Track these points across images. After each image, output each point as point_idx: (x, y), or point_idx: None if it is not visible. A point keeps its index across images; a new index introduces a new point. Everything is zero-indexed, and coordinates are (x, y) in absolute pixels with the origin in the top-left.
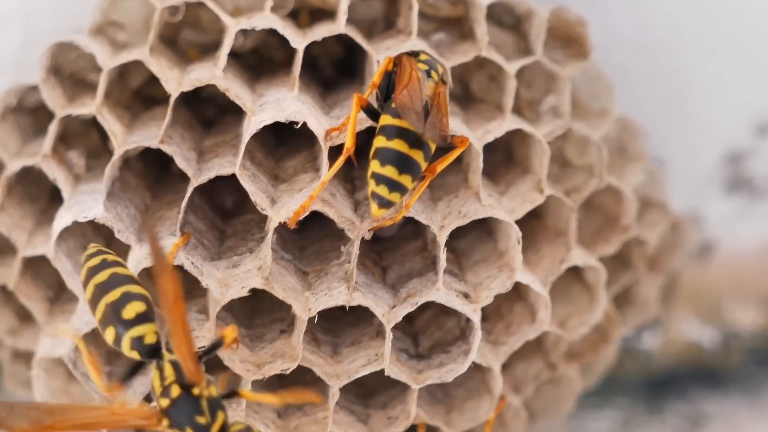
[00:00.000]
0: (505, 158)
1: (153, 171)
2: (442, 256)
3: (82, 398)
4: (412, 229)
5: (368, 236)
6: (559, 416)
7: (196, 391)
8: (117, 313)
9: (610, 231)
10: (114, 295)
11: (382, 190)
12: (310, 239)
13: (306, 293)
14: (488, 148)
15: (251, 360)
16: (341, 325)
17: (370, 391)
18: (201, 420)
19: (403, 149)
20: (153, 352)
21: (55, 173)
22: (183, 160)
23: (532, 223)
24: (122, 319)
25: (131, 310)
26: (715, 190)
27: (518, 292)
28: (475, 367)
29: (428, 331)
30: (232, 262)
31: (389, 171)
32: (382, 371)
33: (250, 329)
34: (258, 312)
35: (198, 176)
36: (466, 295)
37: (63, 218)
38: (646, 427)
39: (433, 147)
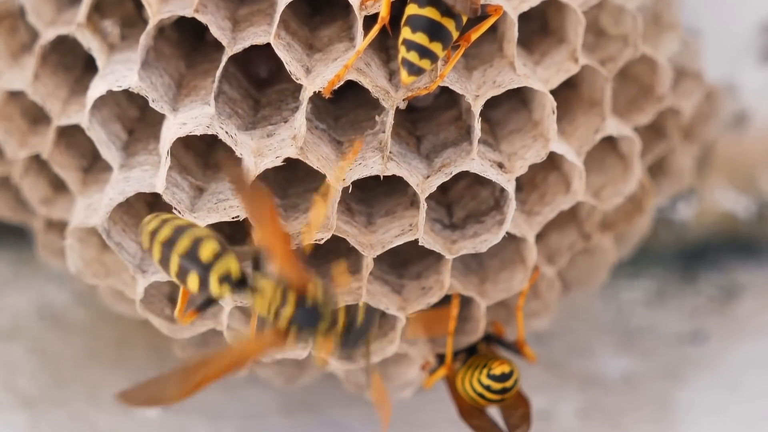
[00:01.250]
0: (540, 28)
1: (188, 40)
2: (477, 125)
3: (115, 267)
4: (446, 98)
5: (403, 106)
6: (593, 286)
7: (309, 299)
8: (195, 259)
9: (644, 101)
10: (184, 244)
11: (413, 57)
12: (345, 109)
13: (340, 162)
14: (523, 18)
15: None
16: (375, 195)
17: (404, 262)
18: (323, 324)
19: (434, 16)
20: (242, 282)
21: (89, 42)
22: (218, 29)
23: (567, 93)
24: (202, 263)
25: (208, 251)
26: (750, 60)
27: (552, 162)
28: (509, 238)
29: (462, 201)
30: (266, 131)
31: (420, 38)
32: (416, 241)
33: (285, 199)
34: (292, 181)
35: (233, 45)
36: (500, 165)
37: (97, 87)
38: (680, 297)
39: (464, 18)
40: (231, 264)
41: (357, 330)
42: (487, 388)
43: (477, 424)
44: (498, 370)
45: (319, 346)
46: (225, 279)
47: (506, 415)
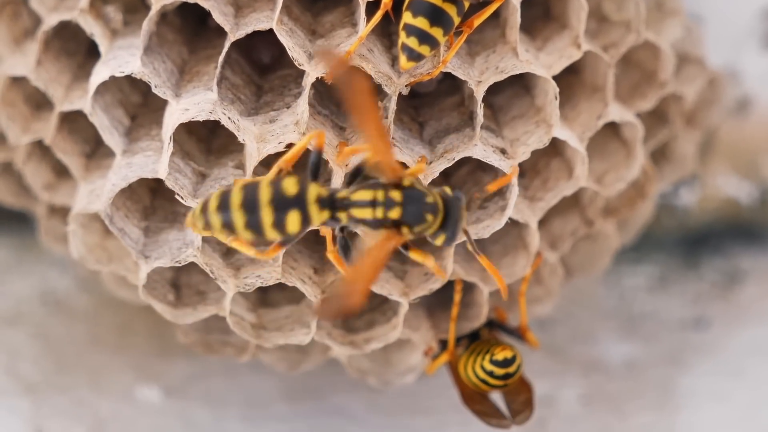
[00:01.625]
0: (542, 13)
1: (190, 26)
2: (480, 111)
3: (118, 253)
4: (449, 84)
5: (405, 91)
6: (595, 272)
7: (406, 182)
8: (284, 199)
9: (647, 86)
10: (265, 192)
11: (412, 42)
12: None
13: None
14: (526, 3)
15: None
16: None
17: (407, 247)
18: (430, 199)
19: (435, 1)
20: (333, 200)
21: (92, 28)
22: (220, 15)
23: (570, 79)
24: (293, 198)
25: (291, 186)
26: (753, 46)
27: (555, 148)
28: (512, 223)
29: (465, 186)
30: (269, 117)
31: (421, 22)
32: None
33: None
34: (295, 167)
35: (235, 31)
36: (503, 151)
37: (100, 73)
38: (682, 282)
39: (466, 4)
40: (314, 187)
41: (455, 212)
42: (490, 373)
43: (479, 409)
44: (500, 355)
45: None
46: (320, 203)
47: (509, 401)
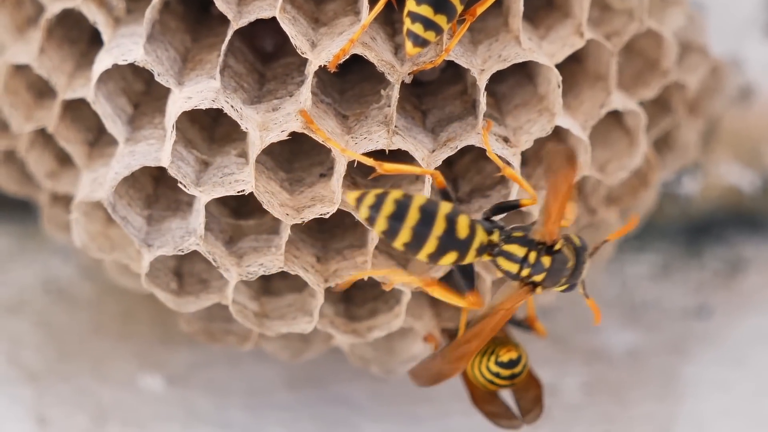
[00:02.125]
0: (545, 2)
1: (193, 14)
2: (482, 99)
3: (121, 241)
4: (452, 72)
5: (408, 80)
6: (598, 261)
7: (557, 247)
8: (453, 238)
9: (650, 75)
10: (440, 226)
11: (417, 28)
12: (350, 83)
13: (346, 137)
14: None
15: (290, 204)
16: None
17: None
18: (570, 264)
19: None
20: (487, 246)
21: (95, 16)
22: (223, 3)
23: (572, 68)
24: (461, 240)
25: (464, 228)
26: (755, 34)
27: (558, 136)
28: (516, 213)
29: (468, 175)
30: (271, 105)
31: (424, 10)
32: None
33: (290, 173)
34: (298, 155)
35: (238, 19)
36: (505, 139)
37: (103, 61)
38: (685, 271)
39: None
40: (481, 234)
41: (580, 266)
42: (496, 374)
43: (490, 410)
44: (506, 357)
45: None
46: (479, 250)
47: (518, 398)
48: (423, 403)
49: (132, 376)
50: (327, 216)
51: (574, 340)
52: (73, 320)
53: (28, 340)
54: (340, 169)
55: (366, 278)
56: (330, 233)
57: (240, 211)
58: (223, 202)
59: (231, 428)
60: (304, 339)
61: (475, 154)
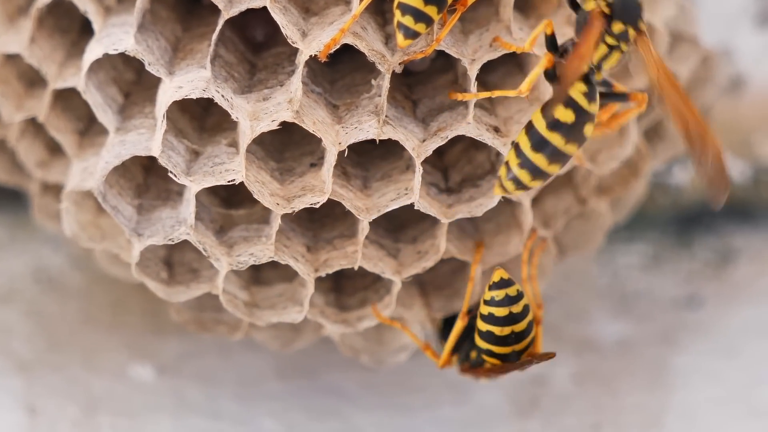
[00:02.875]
0: None
1: (184, 3)
2: (473, 89)
3: (111, 231)
4: (443, 62)
5: (399, 69)
6: (588, 251)
7: None
8: None
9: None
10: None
11: (408, 21)
12: (341, 72)
13: (336, 126)
14: None
15: (281, 194)
16: (371, 158)
17: (400, 226)
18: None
19: None
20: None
21: (86, 5)
22: None
23: None
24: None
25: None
26: (746, 24)
27: None
28: (505, 202)
29: (458, 165)
30: (262, 95)
31: (414, 1)
32: (411, 205)
33: (280, 163)
34: (288, 145)
35: (229, 9)
36: (496, 129)
37: (93, 51)
38: (675, 261)
39: None
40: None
41: None
42: (491, 319)
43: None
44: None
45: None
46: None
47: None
48: (414, 392)
49: (122, 365)
50: (317, 206)
51: (565, 330)
52: (63, 310)
53: (18, 330)
54: (331, 159)
55: (356, 267)
56: (320, 223)
57: (230, 200)
58: (213, 191)
59: (221, 418)
60: (294, 329)
61: (465, 144)
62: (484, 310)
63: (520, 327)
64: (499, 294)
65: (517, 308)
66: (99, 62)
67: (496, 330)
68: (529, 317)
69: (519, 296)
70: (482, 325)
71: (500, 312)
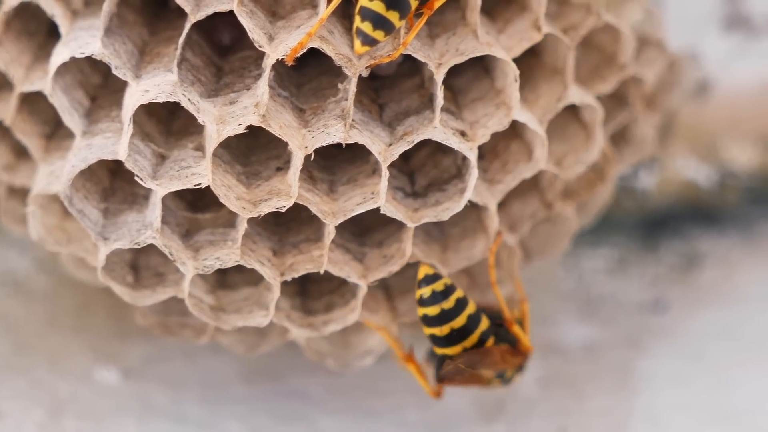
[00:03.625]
0: None
1: (151, 7)
2: (440, 93)
3: (77, 235)
4: (409, 66)
5: (365, 73)
6: (554, 255)
7: None
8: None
9: (607, 69)
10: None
11: (366, 27)
12: (308, 76)
13: (303, 130)
14: None
15: (247, 198)
16: (338, 162)
17: (366, 230)
18: None
19: None
20: None
21: (53, 9)
22: None
23: (530, 61)
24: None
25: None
26: (712, 28)
27: (515, 130)
28: (471, 206)
29: (424, 169)
30: (228, 98)
31: (377, 5)
32: (378, 209)
33: (247, 166)
34: (254, 149)
35: (196, 12)
36: (462, 133)
37: (60, 54)
38: (641, 265)
39: None
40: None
41: None
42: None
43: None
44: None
45: None
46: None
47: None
48: (379, 396)
49: (88, 369)
50: (283, 210)
51: (531, 333)
52: (28, 313)
53: None
54: (297, 162)
55: (322, 272)
56: (286, 227)
57: (197, 204)
58: (179, 195)
59: (186, 421)
60: (260, 333)
61: (432, 148)
62: (420, 312)
63: (458, 323)
64: (426, 291)
65: (448, 304)
66: (66, 66)
67: (436, 331)
68: (468, 311)
69: (448, 290)
70: (425, 329)
71: (432, 311)
